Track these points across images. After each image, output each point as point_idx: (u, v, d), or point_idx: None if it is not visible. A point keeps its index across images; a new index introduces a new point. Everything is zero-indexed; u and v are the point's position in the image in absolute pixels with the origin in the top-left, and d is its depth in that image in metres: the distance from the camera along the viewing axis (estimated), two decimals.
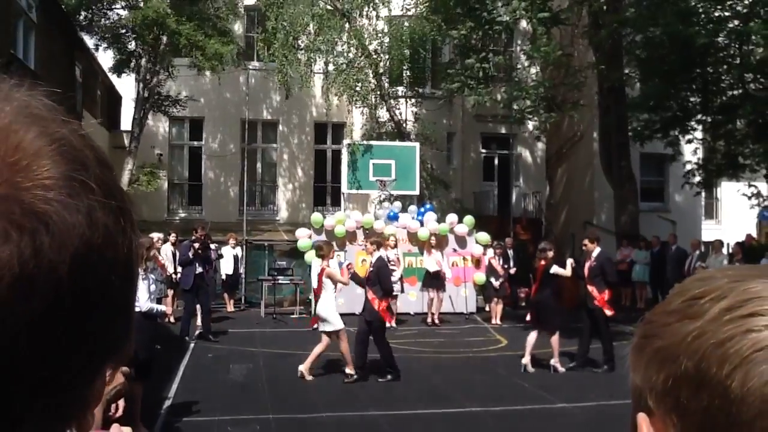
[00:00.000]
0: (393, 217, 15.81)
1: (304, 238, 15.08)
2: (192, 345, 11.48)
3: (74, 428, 0.46)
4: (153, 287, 7.26)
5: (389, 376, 9.10)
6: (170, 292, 14.43)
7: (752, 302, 0.54)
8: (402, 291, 14.32)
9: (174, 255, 14.61)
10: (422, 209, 16.21)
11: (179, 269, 14.53)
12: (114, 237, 0.46)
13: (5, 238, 0.41)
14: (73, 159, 0.45)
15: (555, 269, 9.96)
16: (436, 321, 14.28)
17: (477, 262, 15.74)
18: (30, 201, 0.42)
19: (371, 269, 9.43)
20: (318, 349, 9.07)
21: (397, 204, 16.47)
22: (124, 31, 17.28)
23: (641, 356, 0.60)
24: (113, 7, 17.42)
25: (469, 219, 15.98)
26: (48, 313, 0.42)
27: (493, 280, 14.68)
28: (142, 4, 15.79)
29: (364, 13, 18.63)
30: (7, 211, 0.41)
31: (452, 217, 16.12)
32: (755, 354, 0.51)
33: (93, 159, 0.47)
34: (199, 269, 12.28)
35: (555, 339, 9.77)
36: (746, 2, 16.09)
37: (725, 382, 0.51)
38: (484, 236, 15.76)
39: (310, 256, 13.26)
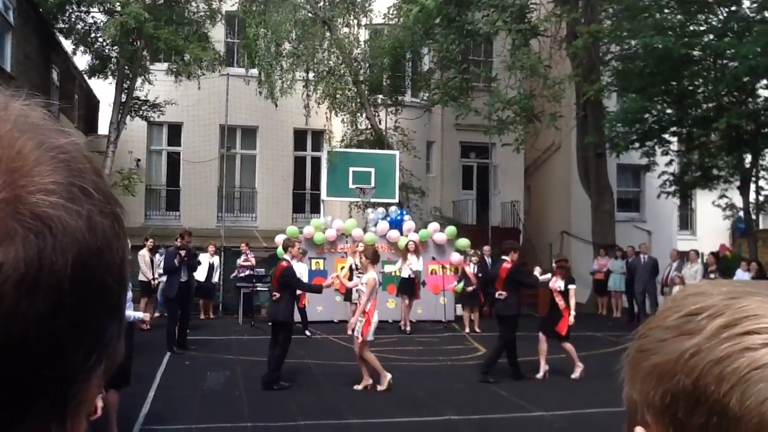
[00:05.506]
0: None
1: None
2: (168, 353, 11.36)
3: (70, 427, 0.47)
4: (129, 294, 7.19)
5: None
6: (144, 300, 14.26)
7: (748, 320, 0.54)
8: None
9: (152, 261, 14.42)
10: (396, 217, 16.16)
11: (158, 275, 14.35)
12: (111, 241, 0.48)
13: (11, 239, 0.42)
14: (72, 166, 0.47)
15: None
16: (407, 327, 14.17)
17: (456, 270, 15.77)
18: (34, 205, 0.44)
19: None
20: None
21: (381, 210, 16.48)
22: (100, 35, 17.04)
23: (637, 371, 0.60)
24: (90, 10, 17.20)
25: (451, 230, 16.00)
26: (52, 311, 0.43)
27: (469, 289, 14.62)
28: (119, 8, 15.55)
29: (345, 21, 18.65)
30: (12, 213, 0.43)
31: (434, 225, 16.14)
32: (752, 372, 0.52)
33: (89, 167, 0.49)
34: (185, 277, 11.89)
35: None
36: (721, 17, 16.41)
37: (723, 400, 0.52)
38: (464, 241, 15.79)
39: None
